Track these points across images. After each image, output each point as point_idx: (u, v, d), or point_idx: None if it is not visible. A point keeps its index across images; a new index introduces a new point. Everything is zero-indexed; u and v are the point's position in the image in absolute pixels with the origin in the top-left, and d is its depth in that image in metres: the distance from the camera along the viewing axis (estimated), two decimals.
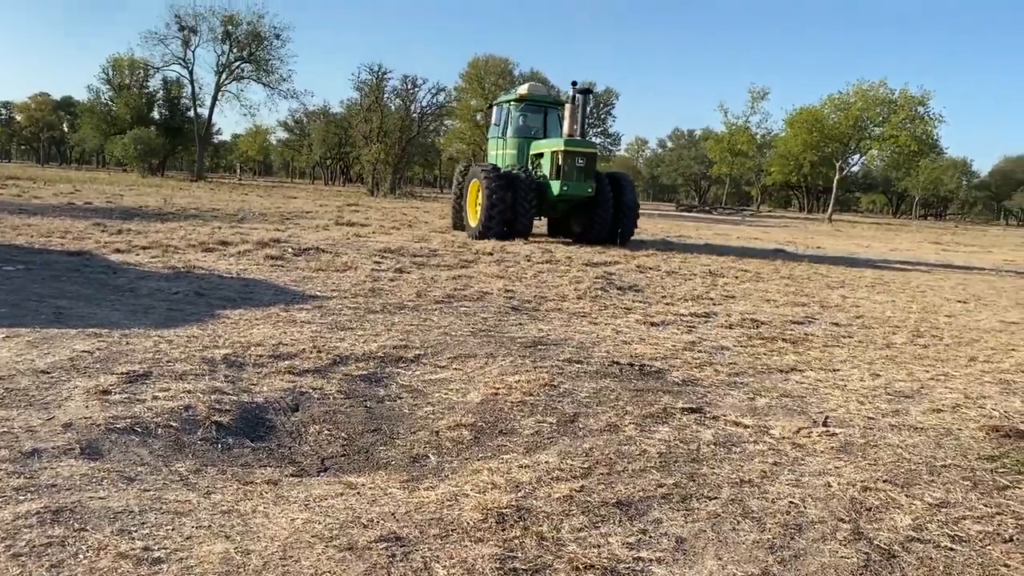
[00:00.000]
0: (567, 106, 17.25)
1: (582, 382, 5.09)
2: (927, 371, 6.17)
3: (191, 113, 67.00)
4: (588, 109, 17.94)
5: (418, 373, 5.18)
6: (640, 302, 9.10)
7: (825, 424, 4.40)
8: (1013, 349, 7.46)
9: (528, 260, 12.19)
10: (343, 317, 6.85)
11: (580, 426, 4.18)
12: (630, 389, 4.98)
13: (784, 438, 4.14)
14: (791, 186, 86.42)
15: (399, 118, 50.68)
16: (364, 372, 5.08)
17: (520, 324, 7.11)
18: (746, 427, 4.29)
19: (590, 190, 16.44)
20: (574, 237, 17.32)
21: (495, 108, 19.00)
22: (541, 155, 17.04)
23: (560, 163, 16.02)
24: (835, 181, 57.93)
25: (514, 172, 16.45)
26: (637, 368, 5.58)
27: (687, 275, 12.12)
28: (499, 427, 4.13)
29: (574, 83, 17.03)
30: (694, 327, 7.66)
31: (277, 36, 59.57)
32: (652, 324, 7.64)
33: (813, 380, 5.63)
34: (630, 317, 7.96)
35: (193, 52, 60.01)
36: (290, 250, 11.22)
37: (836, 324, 8.46)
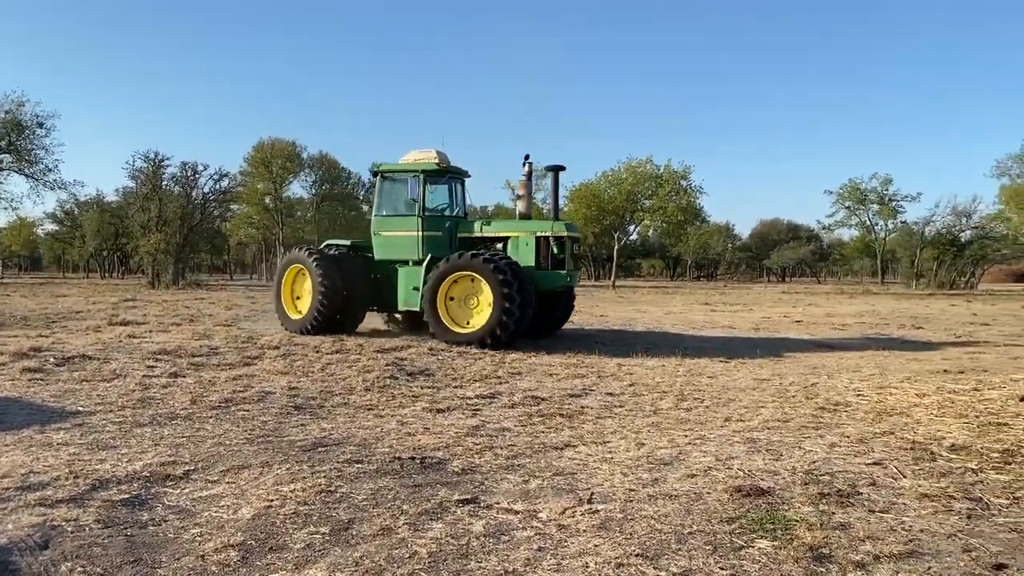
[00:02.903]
0: (521, 181, 15.39)
1: (361, 483, 5.08)
2: (686, 436, 6.69)
3: None
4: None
5: (187, 491, 4.95)
6: (429, 387, 9.22)
7: (590, 501, 4.67)
8: (762, 406, 8.25)
9: (317, 352, 12.00)
10: (106, 434, 6.42)
11: (354, 533, 4.16)
12: (409, 486, 5.04)
13: (551, 520, 4.35)
14: (579, 256, 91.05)
15: (179, 206, 48.60)
16: (126, 496, 4.79)
17: (302, 425, 6.99)
18: (516, 513, 4.47)
19: (576, 278, 15.27)
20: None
21: (407, 178, 14.81)
22: (504, 239, 14.75)
23: (556, 250, 14.30)
24: (615, 250, 61.71)
25: (513, 262, 13.76)
26: (418, 461, 5.65)
27: (477, 354, 12.41)
28: (270, 544, 4.03)
29: (527, 156, 15.06)
30: (479, 410, 7.87)
31: (40, 125, 55.23)
32: (438, 411, 7.76)
33: (584, 455, 5.95)
34: (417, 405, 8.05)
35: None
36: (52, 360, 10.36)
37: (610, 394, 8.99)
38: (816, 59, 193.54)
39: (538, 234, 14.38)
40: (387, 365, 10.64)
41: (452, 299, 13.71)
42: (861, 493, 4.95)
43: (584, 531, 4.17)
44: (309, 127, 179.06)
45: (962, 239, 62.51)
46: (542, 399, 8.51)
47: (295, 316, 15.19)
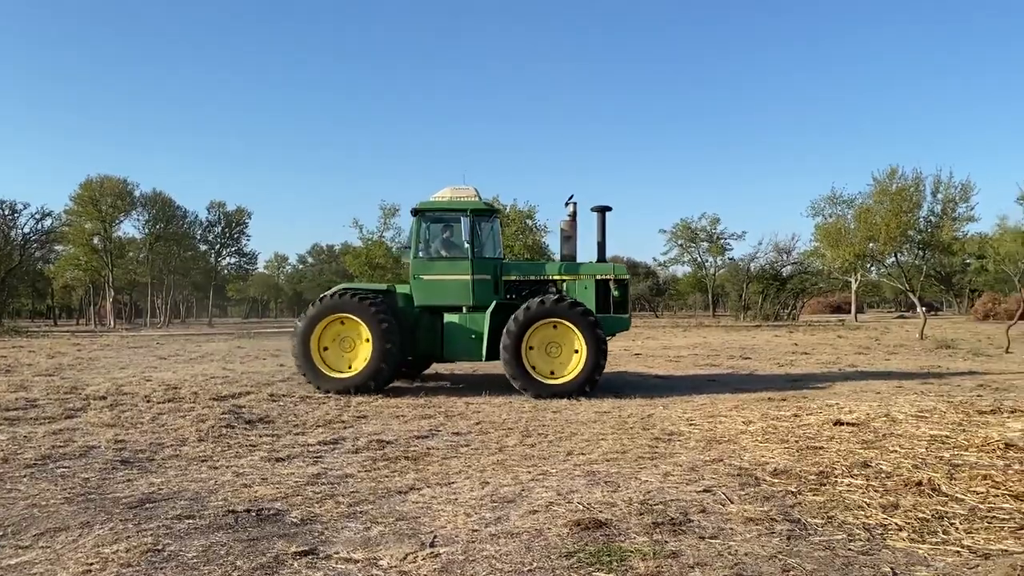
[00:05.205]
0: (567, 221, 14.40)
1: (191, 540, 4.82)
2: (530, 472, 6.79)
3: None
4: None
5: None
6: (269, 435, 8.89)
7: (432, 545, 4.65)
8: (602, 438, 8.51)
9: (148, 401, 11.33)
10: None
11: None
12: (243, 540, 4.83)
13: (392, 567, 4.29)
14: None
15: None
16: None
17: (128, 480, 6.57)
18: (356, 562, 4.38)
19: None
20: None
21: (456, 218, 13.85)
22: (554, 282, 14.03)
23: (616, 293, 13.86)
24: None
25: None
26: (254, 514, 5.43)
27: (321, 399, 12.11)
28: None
29: (571, 196, 14.41)
30: (321, 457, 7.66)
31: None
32: (278, 460, 7.49)
33: (429, 498, 5.91)
34: (255, 454, 7.74)
35: None
36: None
37: (457, 433, 9.00)
38: (649, 103, 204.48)
39: (598, 277, 13.94)
40: (223, 413, 10.19)
41: (531, 348, 12.85)
42: (692, 520, 5.18)
43: None
44: (143, 164, 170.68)
45: (783, 274, 67.22)
46: (387, 442, 8.40)
47: (336, 374, 13.06)
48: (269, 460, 7.47)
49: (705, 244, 78.08)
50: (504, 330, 12.75)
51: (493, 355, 13.16)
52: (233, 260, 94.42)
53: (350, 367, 13.08)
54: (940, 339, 28.42)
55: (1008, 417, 8.73)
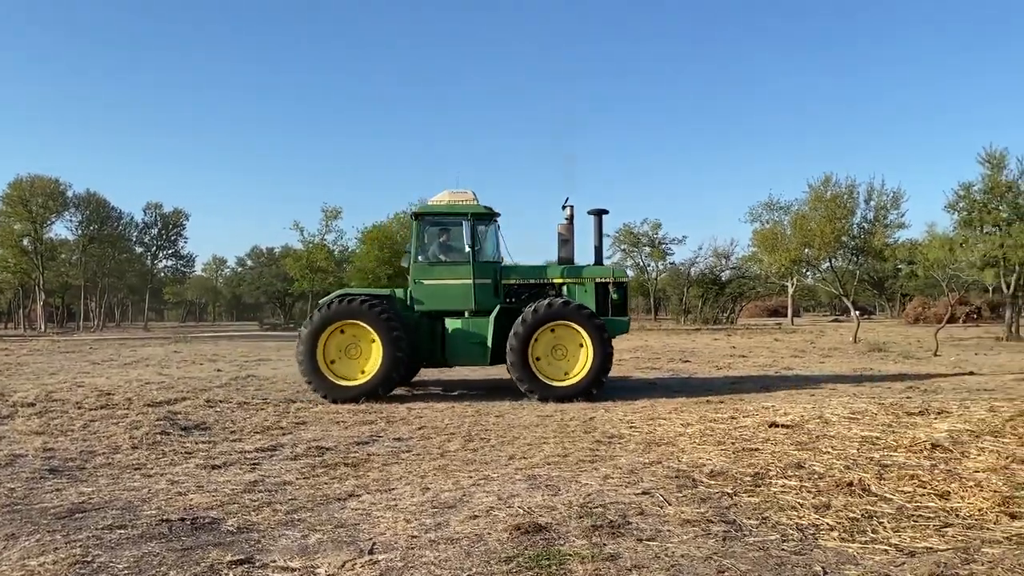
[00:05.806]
0: (564, 225, 14.36)
1: (123, 550, 4.70)
2: (471, 477, 6.79)
3: None
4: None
5: None
6: (205, 442, 8.72)
7: (371, 552, 4.61)
8: (544, 442, 8.55)
9: (79, 408, 11.01)
10: None
11: None
12: (177, 549, 4.72)
13: (330, 575, 4.25)
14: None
15: None
16: None
17: (57, 490, 6.37)
18: (293, 571, 4.32)
19: None
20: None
21: (458, 222, 13.48)
22: (553, 284, 13.98)
23: (615, 296, 13.78)
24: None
25: None
26: (188, 523, 5.32)
27: (260, 405, 11.92)
28: None
29: (567, 199, 14.33)
30: (258, 464, 7.54)
31: None
32: (214, 467, 7.35)
33: (368, 504, 5.87)
34: (191, 462, 7.58)
35: None
36: None
37: (399, 439, 8.95)
38: (597, 106, 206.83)
39: (598, 280, 13.91)
40: (158, 420, 9.95)
41: (537, 351, 12.80)
42: (631, 523, 5.24)
43: None
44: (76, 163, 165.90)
45: (723, 278, 68.37)
46: (327, 448, 8.31)
47: (344, 382, 12.69)
48: (205, 467, 7.33)
49: (647, 249, 78.96)
50: (510, 333, 12.72)
51: (498, 359, 13.17)
52: (170, 263, 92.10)
53: (358, 374, 12.79)
54: (873, 342, 29.24)
55: (935, 418, 9.03)
